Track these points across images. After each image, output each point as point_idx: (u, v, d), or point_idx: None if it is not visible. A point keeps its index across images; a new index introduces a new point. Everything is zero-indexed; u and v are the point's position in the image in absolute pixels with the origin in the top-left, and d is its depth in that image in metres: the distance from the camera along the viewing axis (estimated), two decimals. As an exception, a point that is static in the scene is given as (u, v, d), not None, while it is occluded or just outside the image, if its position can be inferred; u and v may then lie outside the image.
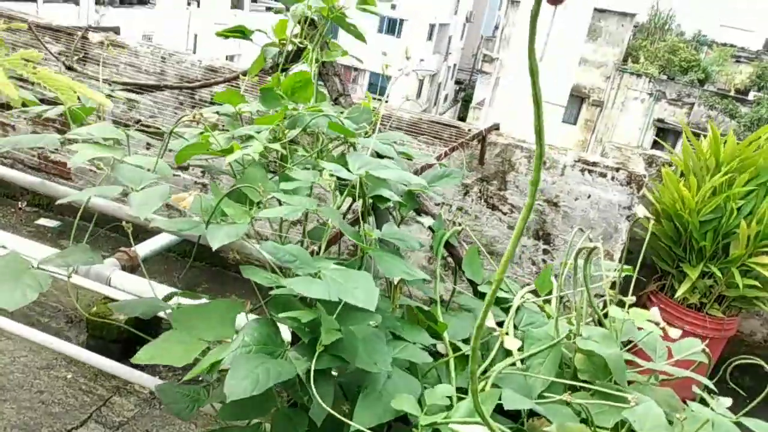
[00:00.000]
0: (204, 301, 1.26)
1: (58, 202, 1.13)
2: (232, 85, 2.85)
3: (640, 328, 1.36)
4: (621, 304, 1.40)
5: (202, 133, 1.34)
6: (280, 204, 1.19)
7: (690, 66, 19.39)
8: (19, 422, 1.86)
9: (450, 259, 1.70)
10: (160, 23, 18.66)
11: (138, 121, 3.01)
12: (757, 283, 2.76)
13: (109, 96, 1.52)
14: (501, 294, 1.52)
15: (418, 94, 29.47)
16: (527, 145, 2.77)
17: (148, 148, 1.57)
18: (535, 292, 1.53)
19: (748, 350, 3.23)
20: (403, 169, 1.50)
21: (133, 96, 2.12)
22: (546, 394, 1.18)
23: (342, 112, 1.51)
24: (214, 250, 1.08)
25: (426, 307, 1.35)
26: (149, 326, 1.96)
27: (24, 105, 1.21)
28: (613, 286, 1.46)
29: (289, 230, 1.56)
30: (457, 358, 1.24)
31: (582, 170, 2.71)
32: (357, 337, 1.06)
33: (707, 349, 1.37)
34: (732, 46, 20.90)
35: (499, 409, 1.09)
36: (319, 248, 1.24)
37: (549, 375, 1.21)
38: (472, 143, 2.75)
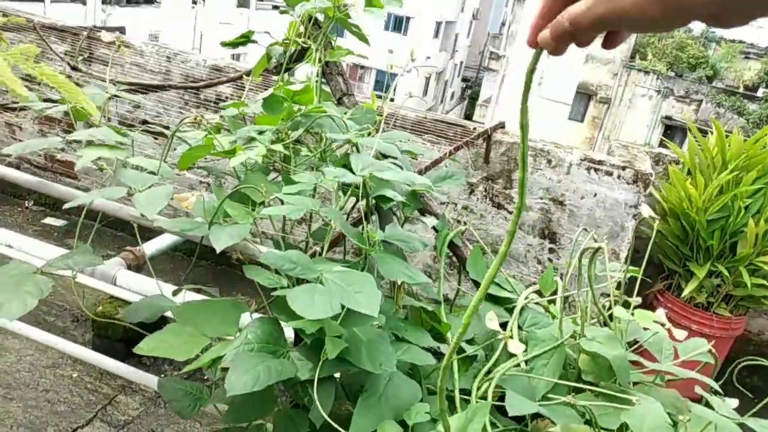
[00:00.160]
0: (208, 298, 1.26)
1: (65, 207, 1.13)
2: (236, 85, 2.86)
3: (646, 329, 1.35)
4: (626, 304, 1.39)
5: (205, 135, 1.34)
6: (283, 204, 1.19)
7: (698, 63, 19.27)
8: (25, 421, 1.87)
9: (455, 259, 1.69)
10: (166, 22, 18.72)
11: (143, 121, 3.02)
12: (765, 282, 2.73)
13: (112, 97, 1.52)
14: (505, 294, 1.51)
15: (425, 92, 29.44)
16: (533, 144, 2.76)
17: (154, 149, 1.57)
18: (539, 292, 1.53)
19: (756, 349, 3.21)
20: (407, 168, 1.49)
21: (137, 96, 2.12)
22: (550, 396, 1.17)
23: (345, 112, 1.50)
24: (218, 251, 1.08)
25: (430, 307, 1.34)
26: (154, 325, 1.96)
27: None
28: (619, 286, 1.45)
29: (293, 229, 1.56)
30: (461, 359, 1.24)
31: (588, 169, 2.70)
32: (361, 339, 1.06)
33: (713, 350, 1.36)
34: (741, 42, 20.73)
35: (501, 410, 1.09)
36: (322, 249, 1.24)
37: (553, 376, 1.20)
38: (477, 142, 2.74)
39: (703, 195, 2.76)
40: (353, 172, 1.21)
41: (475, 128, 2.72)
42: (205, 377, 1.57)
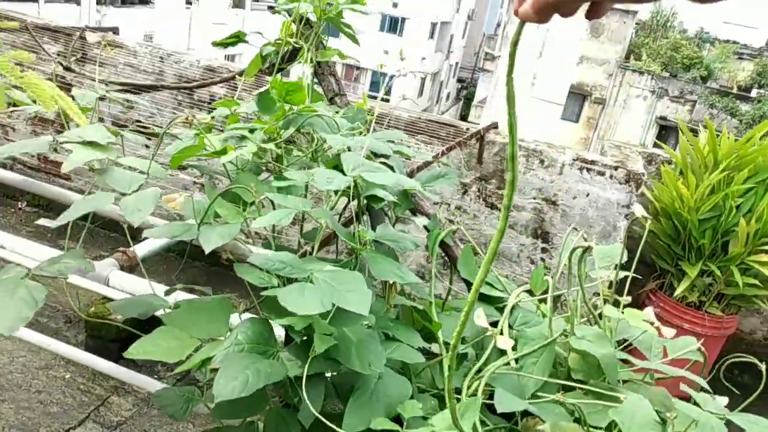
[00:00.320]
0: (198, 297, 1.26)
1: (55, 224, 1.13)
2: (229, 85, 2.86)
3: (635, 327, 1.36)
4: (616, 303, 1.40)
5: (197, 134, 1.34)
6: (273, 205, 1.20)
7: (692, 63, 19.35)
8: (18, 422, 1.87)
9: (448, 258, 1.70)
10: (160, 23, 18.69)
11: (137, 122, 3.01)
12: (756, 282, 2.75)
13: (102, 98, 1.52)
14: (496, 293, 1.51)
15: (420, 93, 29.46)
16: (525, 144, 2.77)
17: (148, 148, 1.57)
18: (530, 292, 1.53)
19: (748, 349, 3.22)
20: (398, 168, 1.50)
21: (130, 96, 2.12)
22: (539, 394, 1.18)
23: (337, 112, 1.51)
24: (207, 252, 1.09)
25: (421, 306, 1.35)
26: (148, 326, 1.96)
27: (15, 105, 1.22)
28: (611, 285, 1.46)
29: (286, 231, 1.56)
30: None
31: (580, 169, 2.71)
32: (351, 338, 1.06)
33: (703, 348, 1.37)
34: (735, 42, 20.84)
35: (492, 408, 1.09)
36: (313, 248, 1.25)
37: (542, 375, 1.21)
38: (470, 142, 2.75)
39: (694, 194, 2.78)
40: (344, 173, 1.21)
41: (467, 128, 2.73)
42: (198, 381, 1.57)
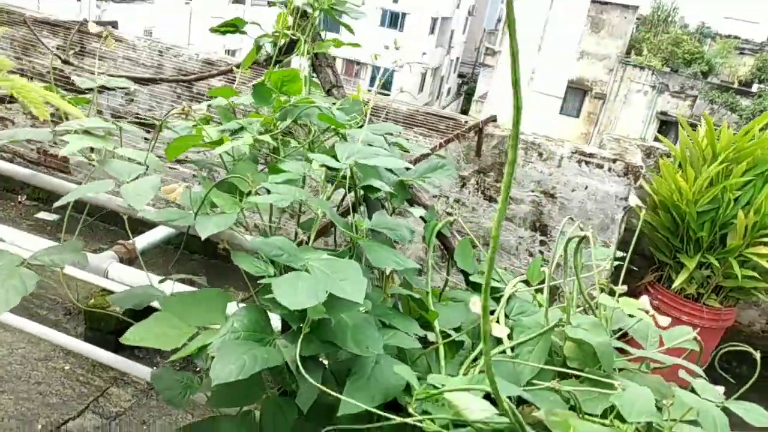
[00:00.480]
0: (195, 288, 1.27)
1: (55, 205, 1.14)
2: (227, 78, 2.86)
3: (631, 316, 1.37)
4: (612, 293, 1.40)
5: (194, 125, 1.35)
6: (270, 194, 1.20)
7: (693, 58, 19.30)
8: (17, 413, 1.88)
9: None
10: (160, 19, 18.67)
11: (136, 114, 3.02)
12: (754, 274, 2.76)
13: (102, 89, 1.52)
14: (493, 283, 1.52)
15: (421, 88, 29.43)
16: (524, 137, 2.77)
17: (147, 141, 1.58)
18: (527, 282, 1.54)
19: (747, 341, 3.23)
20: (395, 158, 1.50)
21: (129, 84, 2.13)
22: (535, 382, 1.18)
23: (334, 103, 1.51)
24: (202, 239, 1.09)
25: (418, 296, 1.35)
26: (147, 317, 1.98)
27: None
28: (610, 277, 1.46)
29: (285, 224, 1.56)
30: (447, 345, 1.25)
31: (579, 161, 2.71)
32: (347, 323, 1.07)
33: (699, 337, 1.38)
34: (736, 37, 20.78)
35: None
36: (309, 238, 1.25)
37: (538, 362, 1.21)
38: (469, 135, 2.75)
39: (693, 187, 2.78)
40: (338, 161, 1.21)
41: (466, 121, 2.73)
42: (197, 368, 1.58)
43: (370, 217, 1.42)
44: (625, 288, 1.42)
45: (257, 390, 1.12)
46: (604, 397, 1.10)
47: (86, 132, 1.24)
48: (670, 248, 2.98)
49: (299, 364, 0.93)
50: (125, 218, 1.35)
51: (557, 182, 2.74)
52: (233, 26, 1.55)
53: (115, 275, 1.62)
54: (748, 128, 2.87)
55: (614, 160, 2.69)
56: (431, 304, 1.37)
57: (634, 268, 1.33)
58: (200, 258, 3.23)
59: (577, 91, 20.44)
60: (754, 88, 18.40)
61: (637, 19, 20.49)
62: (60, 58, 2.25)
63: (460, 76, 38.85)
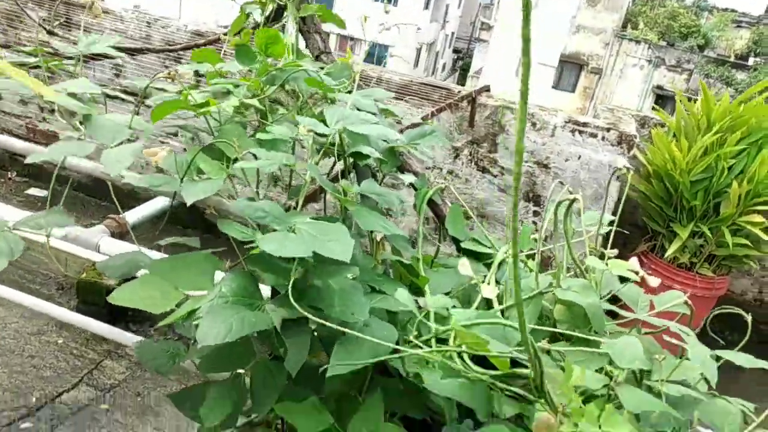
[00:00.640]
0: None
1: (26, 160, 1.12)
2: (217, 48, 2.82)
3: (622, 279, 1.37)
4: (602, 256, 1.40)
5: (180, 91, 1.32)
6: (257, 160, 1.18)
7: (690, 32, 19.16)
8: (11, 386, 1.88)
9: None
10: (151, -6, 18.37)
11: (123, 86, 2.98)
12: (747, 242, 2.76)
13: (87, 59, 1.49)
14: (484, 250, 1.52)
15: (416, 64, 29.16)
16: (515, 107, 2.75)
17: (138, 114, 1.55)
18: (519, 249, 1.53)
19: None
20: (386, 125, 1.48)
21: (116, 58, 2.09)
22: (525, 344, 1.18)
23: (322, 68, 1.49)
24: (188, 205, 1.08)
25: (408, 262, 1.35)
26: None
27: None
28: (601, 244, 1.46)
29: (280, 195, 1.55)
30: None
31: (572, 131, 2.70)
32: (333, 288, 1.06)
33: (689, 302, 1.38)
34: (733, 10, 20.61)
35: (477, 358, 1.10)
36: (297, 203, 1.24)
37: (528, 324, 1.21)
38: (462, 105, 2.73)
39: (687, 156, 2.77)
40: (327, 126, 1.20)
41: (459, 91, 2.70)
42: (190, 339, 1.58)
43: (359, 184, 1.41)
44: (615, 252, 1.41)
45: (247, 355, 1.12)
46: (593, 357, 1.10)
47: (71, 95, 1.22)
48: (664, 218, 2.98)
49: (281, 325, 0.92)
50: (110, 185, 1.33)
51: (551, 152, 2.73)
52: (219, -10, 1.51)
53: (106, 249, 1.61)
54: (742, 98, 2.85)
55: (608, 129, 2.67)
56: (422, 270, 1.36)
57: (625, 232, 1.32)
58: (192, 233, 3.22)
59: (573, 66, 20.31)
60: (750, 61, 18.31)
61: (633, -9, 20.30)
62: (45, 29, 2.21)
63: (456, 51, 38.51)
